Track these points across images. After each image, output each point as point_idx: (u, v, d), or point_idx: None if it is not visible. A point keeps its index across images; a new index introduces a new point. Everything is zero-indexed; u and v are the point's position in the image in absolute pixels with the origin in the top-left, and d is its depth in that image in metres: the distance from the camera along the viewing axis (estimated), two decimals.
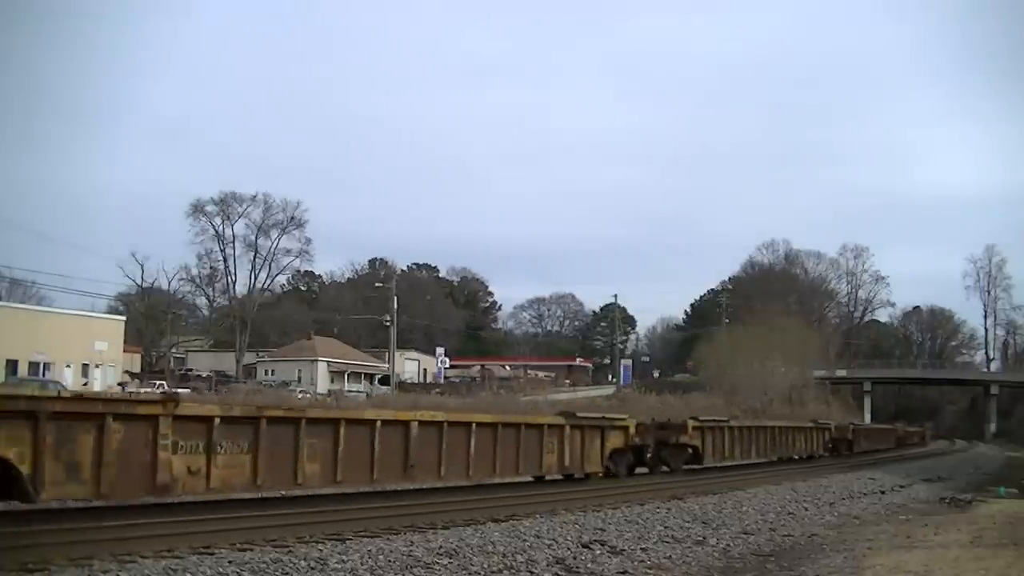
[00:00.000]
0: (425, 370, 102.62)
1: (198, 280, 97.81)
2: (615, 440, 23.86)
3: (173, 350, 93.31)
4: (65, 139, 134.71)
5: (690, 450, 28.01)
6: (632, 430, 24.74)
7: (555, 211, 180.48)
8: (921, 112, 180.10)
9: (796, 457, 36.72)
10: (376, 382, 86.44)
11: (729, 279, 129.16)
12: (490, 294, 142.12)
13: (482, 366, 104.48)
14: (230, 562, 10.44)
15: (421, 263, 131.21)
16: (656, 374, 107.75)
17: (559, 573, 11.50)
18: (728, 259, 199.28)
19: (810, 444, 38.87)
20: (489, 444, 19.12)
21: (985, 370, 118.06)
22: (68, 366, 65.89)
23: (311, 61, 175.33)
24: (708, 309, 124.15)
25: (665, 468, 27.04)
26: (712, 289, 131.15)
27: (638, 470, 25.92)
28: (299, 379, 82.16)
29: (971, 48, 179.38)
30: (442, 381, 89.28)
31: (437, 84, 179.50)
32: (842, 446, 43.22)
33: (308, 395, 62.05)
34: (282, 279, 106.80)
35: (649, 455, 26.53)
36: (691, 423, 28.14)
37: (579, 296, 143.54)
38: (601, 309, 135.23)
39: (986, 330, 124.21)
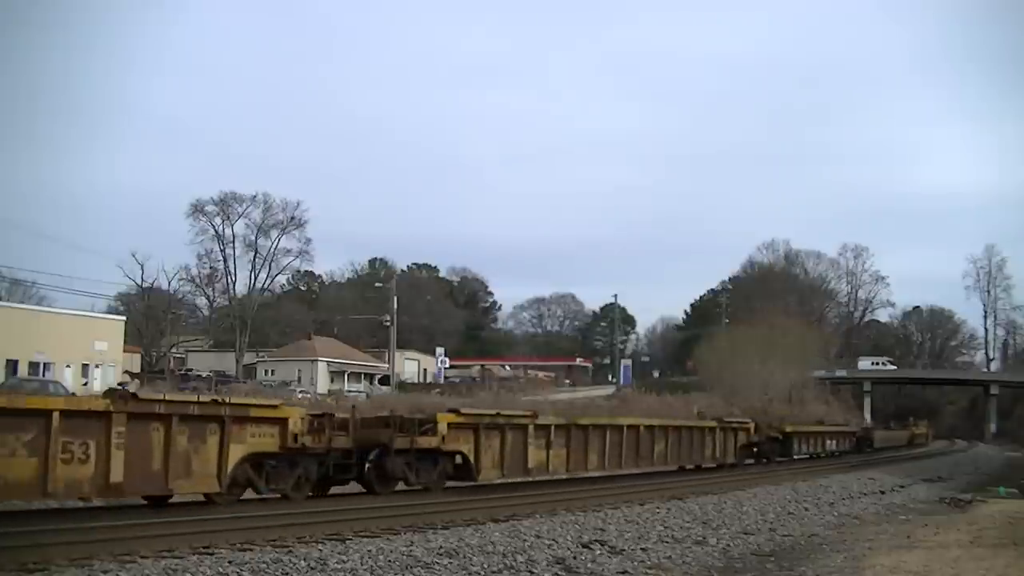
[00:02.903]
0: (425, 370, 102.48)
1: (198, 280, 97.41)
2: (742, 438, 31.99)
3: (173, 350, 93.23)
4: (65, 139, 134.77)
5: (779, 444, 36.10)
6: (752, 430, 32.80)
7: (555, 211, 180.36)
8: (921, 112, 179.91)
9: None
10: (376, 382, 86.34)
11: (729, 279, 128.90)
12: (490, 294, 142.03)
13: (482, 366, 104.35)
14: (230, 562, 10.45)
15: (421, 263, 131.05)
16: (656, 374, 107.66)
17: (559, 573, 11.50)
18: (728, 259, 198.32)
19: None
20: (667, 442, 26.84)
21: (985, 370, 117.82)
22: (68, 366, 65.76)
23: (311, 61, 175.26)
24: (708, 309, 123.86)
25: (764, 460, 34.44)
26: (712, 289, 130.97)
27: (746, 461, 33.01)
28: (299, 379, 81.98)
29: (970, 48, 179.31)
30: (442, 381, 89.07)
31: (437, 84, 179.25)
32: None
33: (308, 395, 61.94)
34: (282, 279, 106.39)
35: (756, 450, 33.82)
36: (787, 425, 37.66)
37: (579, 296, 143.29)
38: (601, 309, 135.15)
39: (986, 330, 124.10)
